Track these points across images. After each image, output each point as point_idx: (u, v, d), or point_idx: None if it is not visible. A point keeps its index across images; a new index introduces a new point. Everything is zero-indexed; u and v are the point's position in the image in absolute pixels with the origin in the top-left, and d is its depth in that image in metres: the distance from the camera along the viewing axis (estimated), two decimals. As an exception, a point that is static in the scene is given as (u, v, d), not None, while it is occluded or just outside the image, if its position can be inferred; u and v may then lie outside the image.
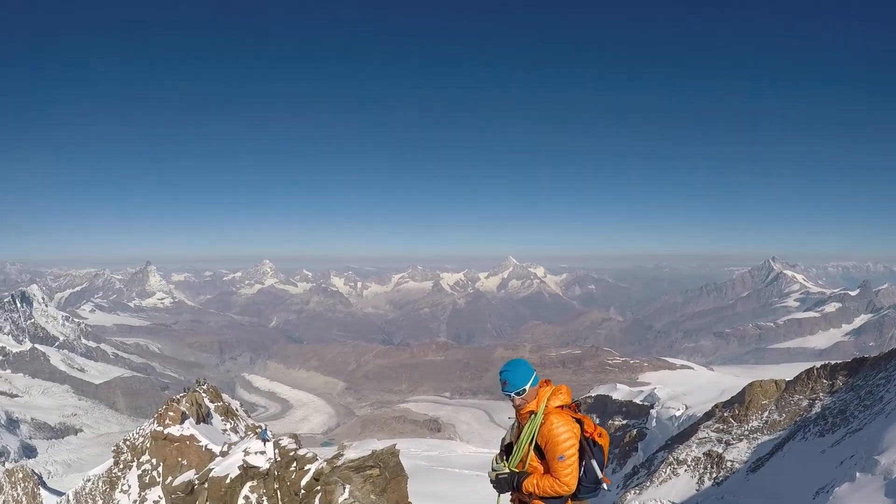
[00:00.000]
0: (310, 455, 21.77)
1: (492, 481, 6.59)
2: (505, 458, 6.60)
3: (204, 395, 41.47)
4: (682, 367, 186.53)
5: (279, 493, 22.56)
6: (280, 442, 23.55)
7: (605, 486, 6.24)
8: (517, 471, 6.36)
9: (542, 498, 6.18)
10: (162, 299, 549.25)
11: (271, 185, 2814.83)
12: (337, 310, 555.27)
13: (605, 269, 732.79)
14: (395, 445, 18.79)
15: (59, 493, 73.00)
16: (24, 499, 70.84)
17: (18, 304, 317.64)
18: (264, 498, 22.64)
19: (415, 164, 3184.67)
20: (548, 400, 6.28)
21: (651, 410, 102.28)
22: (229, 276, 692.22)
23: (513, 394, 6.30)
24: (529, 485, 6.18)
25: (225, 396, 43.88)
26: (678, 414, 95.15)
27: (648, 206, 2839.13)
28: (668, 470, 55.72)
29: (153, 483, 36.21)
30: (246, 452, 23.24)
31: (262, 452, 22.96)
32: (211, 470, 24.18)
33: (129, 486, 39.53)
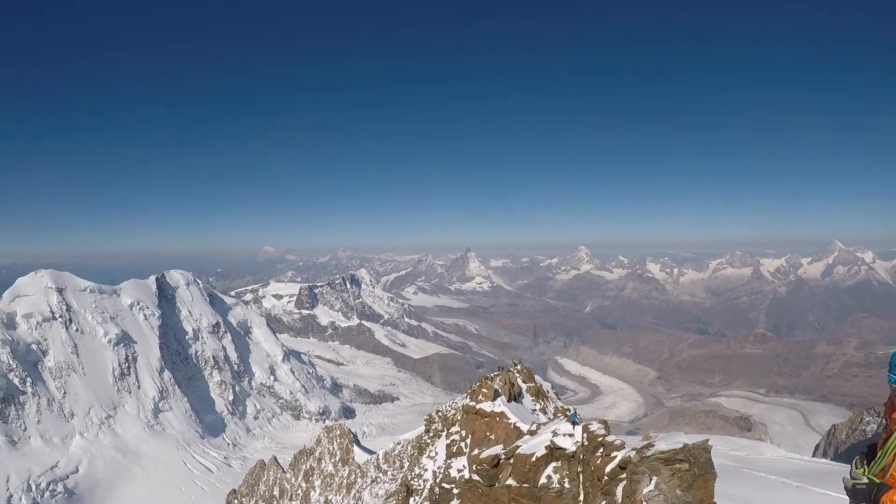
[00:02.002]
0: (618, 442, 21.49)
1: (846, 489, 5.87)
2: (865, 463, 5.89)
3: (517, 375, 43.10)
4: None
5: (581, 477, 22.72)
6: (589, 426, 23.66)
7: None
8: (877, 481, 5.61)
9: None
10: (480, 283, 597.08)
11: (587, 174, 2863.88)
12: (652, 296, 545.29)
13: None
14: (707, 441, 17.73)
15: (371, 452, 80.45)
16: (338, 452, 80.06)
17: (348, 286, 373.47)
18: (566, 479, 22.89)
19: (732, 146, 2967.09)
20: None
21: None
22: (545, 262, 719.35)
23: None
24: (888, 500, 5.43)
25: (537, 378, 45.28)
26: None
27: None
28: None
29: (460, 453, 38.60)
30: (554, 433, 23.77)
31: (571, 435, 23.24)
32: (518, 447, 25.17)
33: (437, 454, 42.47)
